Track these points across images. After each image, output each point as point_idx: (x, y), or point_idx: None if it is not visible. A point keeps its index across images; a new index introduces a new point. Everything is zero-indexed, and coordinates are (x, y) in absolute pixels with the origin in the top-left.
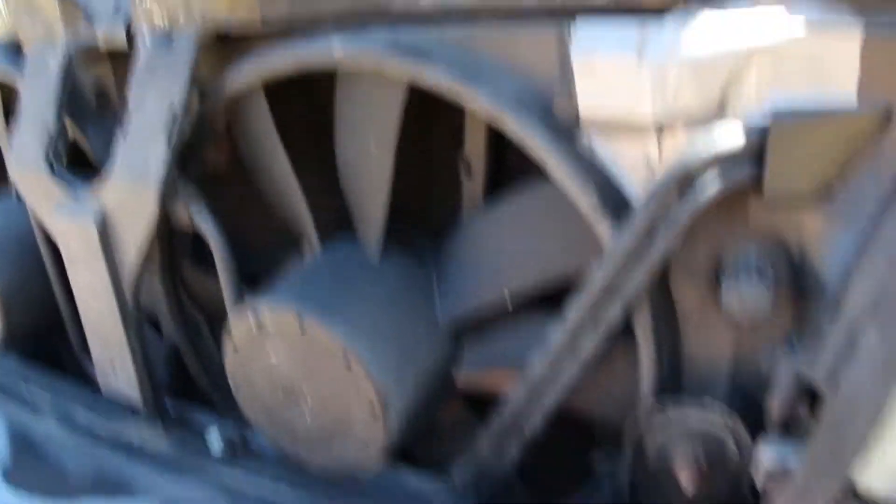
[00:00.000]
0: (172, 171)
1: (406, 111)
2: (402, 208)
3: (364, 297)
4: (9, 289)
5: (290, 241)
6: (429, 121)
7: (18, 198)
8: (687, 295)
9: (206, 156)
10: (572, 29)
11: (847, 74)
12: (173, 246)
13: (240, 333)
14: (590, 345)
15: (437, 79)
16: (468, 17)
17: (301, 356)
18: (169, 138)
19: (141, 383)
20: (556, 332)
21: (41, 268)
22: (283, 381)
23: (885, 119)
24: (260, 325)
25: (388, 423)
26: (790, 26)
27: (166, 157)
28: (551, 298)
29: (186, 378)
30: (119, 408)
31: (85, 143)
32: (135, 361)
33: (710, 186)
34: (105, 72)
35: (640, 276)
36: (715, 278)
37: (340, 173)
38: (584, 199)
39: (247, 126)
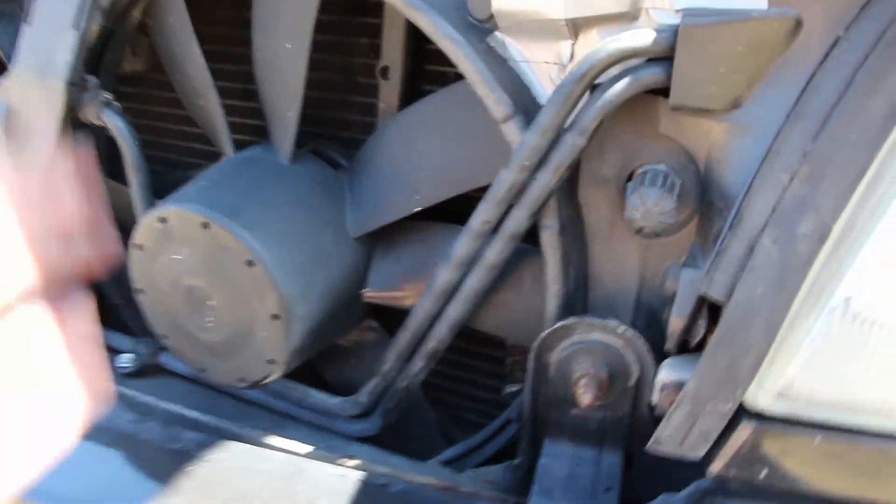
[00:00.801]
0: (81, 63)
1: (323, 9)
2: (318, 117)
3: (272, 201)
4: None
5: (206, 158)
6: (345, 29)
7: None
8: (595, 207)
9: (120, 56)
10: None
11: None
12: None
13: (145, 236)
14: (495, 253)
15: None
16: None
17: (205, 260)
18: (78, 26)
19: None
20: (461, 242)
21: None
22: (187, 287)
23: (795, 28)
24: (166, 228)
25: (291, 332)
26: None
27: (75, 47)
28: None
29: (101, 299)
30: None
31: None
32: None
33: (619, 87)
34: None
35: (547, 180)
36: (624, 189)
37: (255, 72)
38: (491, 96)
39: (161, 21)
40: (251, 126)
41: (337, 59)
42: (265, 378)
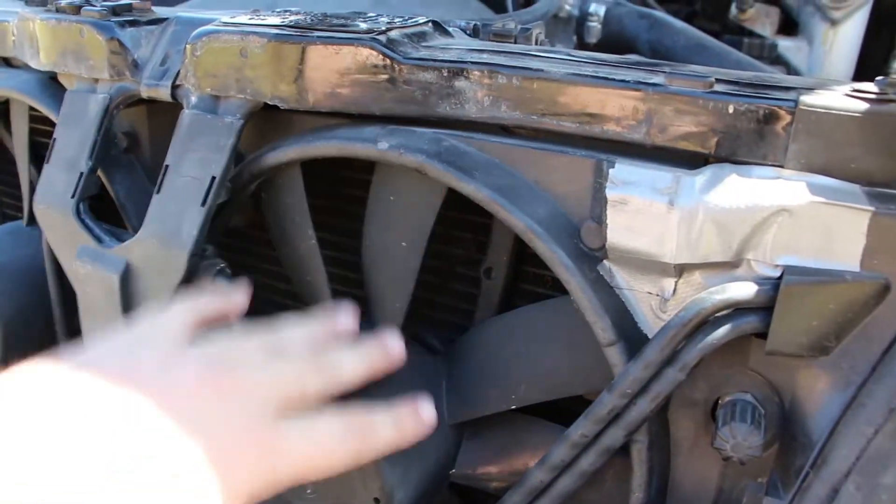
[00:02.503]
0: (204, 236)
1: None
2: (418, 305)
3: (376, 387)
4: (11, 318)
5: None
6: (454, 222)
7: (28, 223)
8: (682, 426)
9: (230, 219)
10: (610, 166)
11: (853, 245)
12: None
13: None
14: (589, 464)
15: (480, 193)
16: (508, 131)
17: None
18: (205, 203)
19: None
20: (559, 448)
21: (46, 302)
22: None
23: (883, 290)
24: None
25: None
26: (809, 193)
27: (201, 222)
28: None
29: None
30: None
31: (109, 187)
32: None
33: (720, 332)
34: (140, 116)
35: (646, 407)
36: (711, 414)
37: (364, 260)
38: (598, 323)
39: (277, 198)
40: (345, 293)
41: (442, 248)
42: None
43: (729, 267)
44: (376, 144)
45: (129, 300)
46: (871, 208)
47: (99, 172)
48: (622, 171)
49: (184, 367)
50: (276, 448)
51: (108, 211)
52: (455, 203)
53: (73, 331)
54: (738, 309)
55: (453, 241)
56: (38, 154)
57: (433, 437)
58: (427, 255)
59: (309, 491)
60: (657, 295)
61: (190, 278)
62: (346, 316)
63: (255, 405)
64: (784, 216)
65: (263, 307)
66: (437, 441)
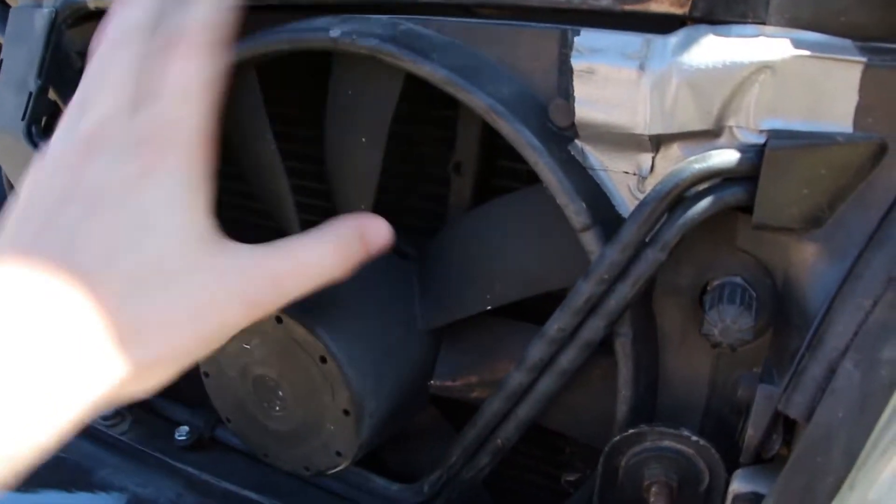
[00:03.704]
0: None
1: (398, 103)
2: (386, 207)
3: (344, 295)
4: None
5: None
6: (418, 119)
7: None
8: (669, 316)
9: None
10: (575, 35)
11: (845, 102)
12: None
13: None
14: (569, 361)
15: (436, 73)
16: (470, 11)
17: (276, 352)
18: None
19: None
20: (536, 346)
21: None
22: (256, 376)
23: (879, 152)
24: None
25: (360, 426)
26: (794, 48)
27: None
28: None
29: None
30: None
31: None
32: None
33: (701, 205)
34: (93, 34)
35: (626, 293)
36: (699, 300)
37: (326, 161)
38: (570, 206)
39: (234, 104)
40: (320, 207)
41: (406, 149)
42: (331, 469)
43: (709, 136)
44: (328, 33)
45: None
46: (864, 59)
47: (55, 96)
48: (588, 39)
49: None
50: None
51: None
52: (420, 98)
53: None
54: (720, 180)
55: (420, 142)
56: None
57: (405, 343)
58: (393, 157)
59: (277, 408)
60: (634, 174)
61: None
62: None
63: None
64: (766, 74)
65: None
66: (411, 349)
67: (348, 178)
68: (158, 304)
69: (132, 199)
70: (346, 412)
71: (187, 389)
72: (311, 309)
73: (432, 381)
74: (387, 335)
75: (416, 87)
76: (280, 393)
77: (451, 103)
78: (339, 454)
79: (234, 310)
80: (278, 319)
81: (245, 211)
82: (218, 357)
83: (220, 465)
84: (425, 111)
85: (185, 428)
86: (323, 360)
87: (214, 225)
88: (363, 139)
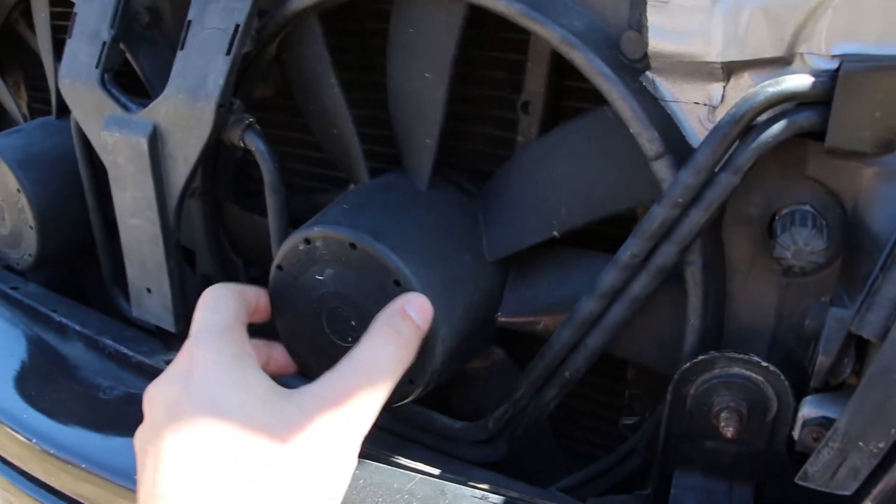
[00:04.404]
0: (230, 87)
1: (464, 40)
2: (451, 148)
3: (414, 224)
4: (46, 208)
5: (330, 183)
6: (482, 61)
7: (58, 116)
8: (737, 245)
9: (256, 82)
10: None
11: None
12: (217, 172)
13: (288, 257)
14: (641, 287)
15: (511, 6)
16: None
17: (350, 280)
18: (230, 52)
19: (176, 308)
20: (608, 273)
21: (79, 191)
22: (329, 306)
23: None
24: (310, 249)
25: (432, 352)
26: None
27: (226, 71)
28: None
29: None
30: (149, 335)
31: (135, 64)
32: (172, 285)
33: (775, 129)
34: None
35: (699, 217)
36: (768, 229)
37: (390, 100)
38: (644, 134)
39: (299, 52)
40: (379, 153)
41: (474, 91)
42: (403, 399)
43: (781, 64)
44: None
45: (158, 163)
46: None
47: (124, 49)
48: None
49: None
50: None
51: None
52: (486, 42)
53: (107, 220)
54: (793, 105)
55: (486, 83)
56: (62, 47)
57: (474, 273)
58: (458, 97)
59: (351, 338)
60: (704, 104)
61: (218, 133)
62: None
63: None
64: (838, 2)
65: (296, 178)
66: (479, 279)
67: (413, 114)
68: None
69: None
70: (396, 282)
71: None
72: (383, 235)
73: (500, 316)
74: (455, 263)
75: (479, 28)
76: (353, 323)
77: (517, 46)
78: (411, 382)
79: (345, 451)
80: (352, 245)
81: (308, 162)
82: (290, 291)
83: None
84: (490, 52)
85: None
86: (397, 283)
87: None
88: (427, 76)
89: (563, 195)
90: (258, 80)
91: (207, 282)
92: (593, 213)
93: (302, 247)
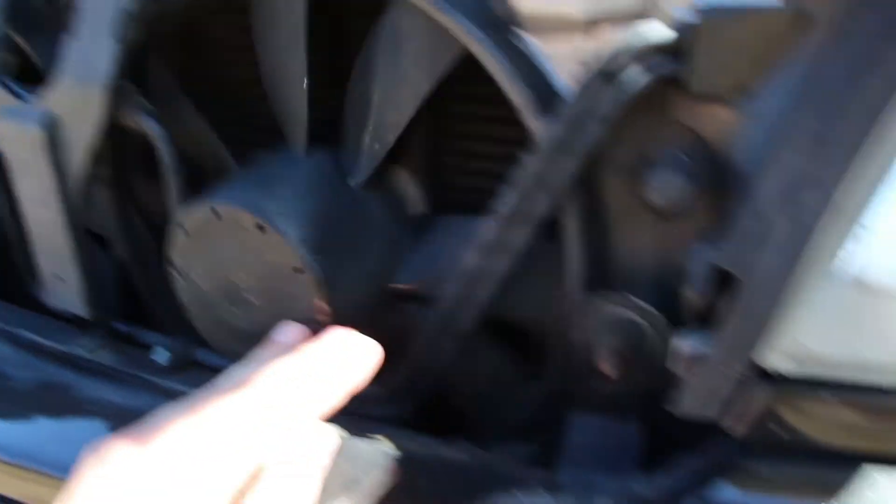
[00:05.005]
0: (122, 71)
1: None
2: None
3: (318, 205)
4: None
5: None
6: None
7: None
8: (613, 191)
9: (156, 68)
10: None
11: None
12: (123, 156)
13: (194, 223)
14: (520, 238)
15: None
16: None
17: (251, 258)
18: (119, 36)
19: (87, 296)
20: (487, 226)
21: None
22: (229, 279)
23: (804, 21)
24: (216, 221)
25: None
26: None
27: (116, 56)
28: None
29: (135, 302)
30: (64, 325)
31: (33, 54)
32: (82, 273)
33: (637, 79)
34: None
35: (569, 168)
36: (640, 174)
37: (263, 76)
38: (516, 92)
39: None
40: None
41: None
42: None
43: (643, 16)
44: None
45: (55, 151)
46: None
47: (19, 39)
48: None
49: None
50: None
51: None
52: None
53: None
54: (656, 55)
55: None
56: None
57: (365, 239)
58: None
59: (247, 311)
60: (573, 58)
61: (112, 118)
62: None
63: None
64: None
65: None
66: (370, 243)
67: (282, 83)
68: None
69: None
70: (297, 269)
71: (167, 317)
72: (288, 218)
73: (397, 284)
74: (352, 233)
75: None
76: (251, 297)
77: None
78: (310, 320)
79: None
80: (260, 227)
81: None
82: (191, 255)
83: (200, 381)
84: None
85: (164, 349)
86: (297, 270)
87: None
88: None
89: (385, 96)
90: (158, 65)
91: (123, 268)
92: (419, 94)
93: (210, 217)
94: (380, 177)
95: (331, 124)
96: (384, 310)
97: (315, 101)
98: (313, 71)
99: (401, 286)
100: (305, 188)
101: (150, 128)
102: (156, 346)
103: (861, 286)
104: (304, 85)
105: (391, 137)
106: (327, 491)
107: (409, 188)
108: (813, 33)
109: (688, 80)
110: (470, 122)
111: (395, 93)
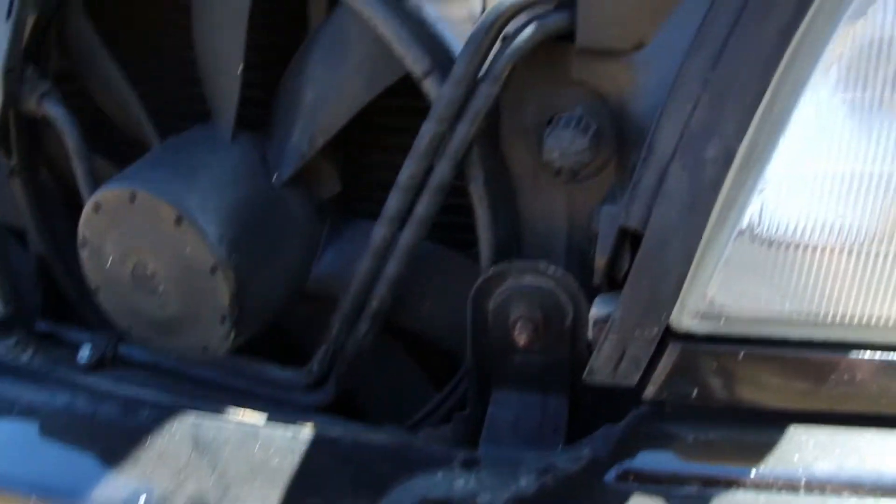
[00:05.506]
0: (16, 53)
1: None
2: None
3: (211, 178)
4: None
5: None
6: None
7: None
8: (518, 156)
9: (54, 52)
10: None
11: None
12: (30, 144)
13: (87, 229)
14: (425, 207)
15: None
16: None
17: (140, 233)
18: (10, 16)
19: (4, 293)
20: (393, 197)
21: None
22: (132, 268)
23: None
24: (101, 215)
25: (231, 284)
26: None
27: (8, 37)
28: None
29: (58, 299)
30: None
31: None
32: None
33: (526, 33)
34: None
35: (466, 130)
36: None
37: (196, 55)
38: (409, 54)
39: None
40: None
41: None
42: (226, 339)
43: None
44: None
45: None
46: None
47: None
48: None
49: None
50: None
51: None
52: None
53: None
54: (543, 10)
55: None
56: None
57: (280, 224)
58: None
59: (159, 294)
60: (468, 20)
61: (12, 102)
62: None
63: None
64: None
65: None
66: (283, 227)
67: (215, 64)
68: None
69: None
70: (213, 269)
71: (90, 313)
72: (158, 179)
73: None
74: (260, 216)
75: None
76: (154, 276)
77: None
78: (223, 319)
79: None
80: (131, 197)
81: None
82: (99, 263)
83: (122, 378)
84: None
85: (87, 347)
86: (178, 220)
87: None
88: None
89: (320, 99)
90: (56, 49)
91: (42, 262)
92: (357, 103)
93: (94, 215)
94: (303, 175)
95: (260, 105)
96: (297, 289)
97: (246, 84)
98: (249, 51)
99: (315, 285)
100: (228, 180)
101: (56, 113)
102: (80, 343)
103: (762, 238)
104: (239, 70)
105: (321, 141)
106: (238, 476)
107: (330, 187)
108: None
109: (576, 33)
110: (394, 135)
111: (332, 98)
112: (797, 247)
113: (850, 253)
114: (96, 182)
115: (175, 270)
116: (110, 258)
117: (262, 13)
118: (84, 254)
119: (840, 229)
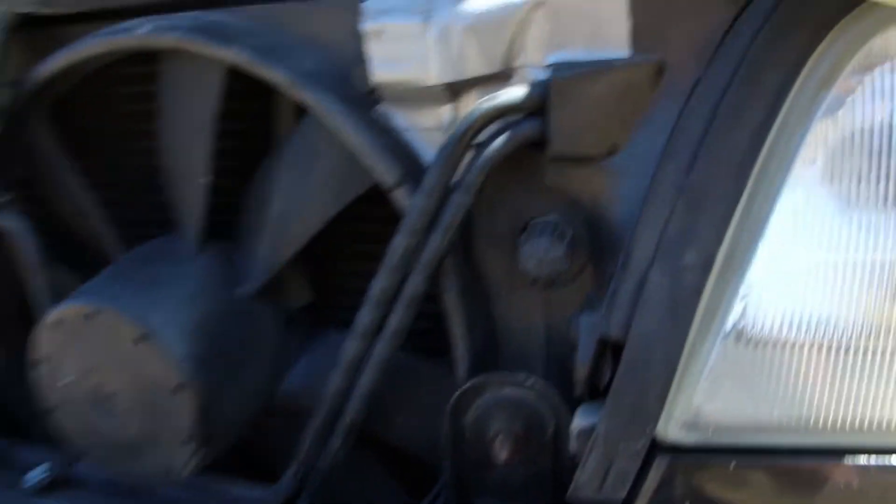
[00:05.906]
0: None
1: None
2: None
3: (176, 292)
4: None
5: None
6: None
7: None
8: (493, 265)
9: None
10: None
11: (618, 27)
12: None
13: (42, 347)
14: (398, 320)
15: (239, 55)
16: None
17: (98, 350)
18: None
19: None
20: (364, 312)
21: None
22: (101, 385)
23: (658, 71)
24: (58, 332)
25: (199, 402)
26: None
27: None
28: None
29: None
30: None
31: None
32: None
33: (498, 143)
34: None
35: (439, 241)
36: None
37: (161, 165)
38: (379, 166)
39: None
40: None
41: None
42: (191, 461)
43: (501, 79)
44: (136, 32)
45: None
46: None
47: None
48: (375, 1)
49: None
50: None
51: None
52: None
53: None
54: (515, 119)
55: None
56: None
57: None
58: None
59: (119, 413)
60: (438, 128)
61: None
62: None
63: None
64: (541, 11)
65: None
66: (253, 344)
67: (181, 175)
68: None
69: None
70: (179, 386)
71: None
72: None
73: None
74: (227, 334)
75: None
76: (115, 395)
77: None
78: (189, 440)
79: None
80: (87, 316)
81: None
82: (55, 382)
83: (75, 501)
84: (243, 106)
85: (41, 469)
86: (143, 338)
87: None
88: (190, 134)
89: (288, 210)
90: (16, 162)
91: None
92: (325, 214)
93: (50, 333)
94: (271, 286)
95: (227, 211)
96: (264, 402)
97: (213, 190)
98: (216, 158)
99: (285, 399)
100: (194, 294)
101: (11, 226)
102: (29, 463)
103: (747, 342)
104: (205, 181)
105: (289, 252)
106: None
107: (299, 297)
108: (670, 83)
109: (548, 140)
110: (360, 242)
111: (300, 209)
112: (784, 345)
113: (839, 350)
114: (60, 294)
115: (137, 389)
116: (68, 377)
117: (228, 120)
118: (40, 372)
119: (828, 324)
